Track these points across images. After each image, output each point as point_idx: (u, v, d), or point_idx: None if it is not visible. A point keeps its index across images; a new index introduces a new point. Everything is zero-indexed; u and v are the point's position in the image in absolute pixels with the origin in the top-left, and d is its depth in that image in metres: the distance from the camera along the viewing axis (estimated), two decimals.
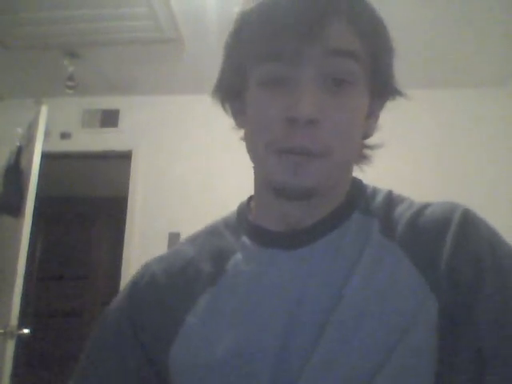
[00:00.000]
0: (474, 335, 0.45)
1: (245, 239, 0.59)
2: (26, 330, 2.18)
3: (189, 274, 0.58)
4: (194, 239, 0.64)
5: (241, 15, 0.55)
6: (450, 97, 3.03)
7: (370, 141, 0.60)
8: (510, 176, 2.86)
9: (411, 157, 2.95)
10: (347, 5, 0.51)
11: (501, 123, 2.97)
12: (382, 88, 0.56)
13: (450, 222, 0.51)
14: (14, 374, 2.16)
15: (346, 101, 0.51)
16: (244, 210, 0.63)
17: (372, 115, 0.58)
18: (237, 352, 0.50)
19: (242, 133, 0.59)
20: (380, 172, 2.69)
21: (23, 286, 2.19)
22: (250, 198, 0.64)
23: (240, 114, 0.59)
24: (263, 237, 0.57)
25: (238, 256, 0.57)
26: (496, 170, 2.89)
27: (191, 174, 3.09)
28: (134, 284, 0.61)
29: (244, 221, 0.61)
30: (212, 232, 0.63)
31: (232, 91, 0.58)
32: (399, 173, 2.81)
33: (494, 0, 2.28)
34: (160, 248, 2.87)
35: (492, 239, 0.51)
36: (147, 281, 0.60)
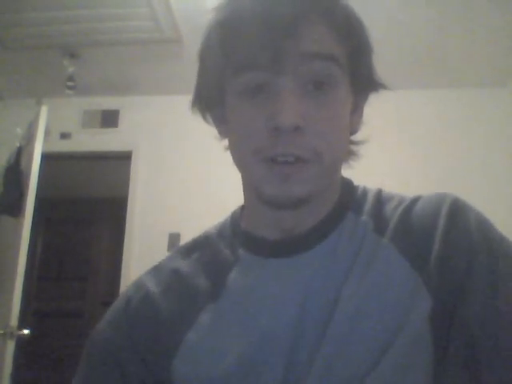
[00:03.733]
0: (465, 324, 0.46)
1: (242, 252, 0.57)
2: (25, 331, 2.18)
3: (186, 291, 0.57)
4: (187, 253, 0.62)
5: (213, 23, 0.53)
6: (451, 97, 3.03)
7: (355, 136, 0.60)
8: (510, 176, 2.86)
9: (412, 157, 2.95)
10: (321, 6, 0.50)
11: (502, 123, 2.97)
12: (364, 83, 0.56)
13: (439, 213, 0.52)
14: (14, 374, 2.16)
15: (329, 103, 0.50)
16: (238, 218, 0.62)
17: (357, 110, 0.57)
18: (243, 365, 0.50)
19: (225, 142, 0.58)
20: (380, 172, 2.68)
21: (23, 286, 2.19)
22: (243, 207, 0.63)
23: (222, 123, 0.58)
24: (260, 247, 0.56)
25: (237, 270, 0.56)
26: (497, 170, 2.89)
27: (191, 174, 3.09)
28: (129, 299, 0.59)
29: (238, 231, 0.60)
30: (206, 245, 0.61)
31: (211, 101, 0.57)
32: (399, 172, 2.81)
33: (494, 0, 2.28)
34: (160, 249, 2.87)
35: (481, 227, 0.50)
36: (142, 296, 0.59)
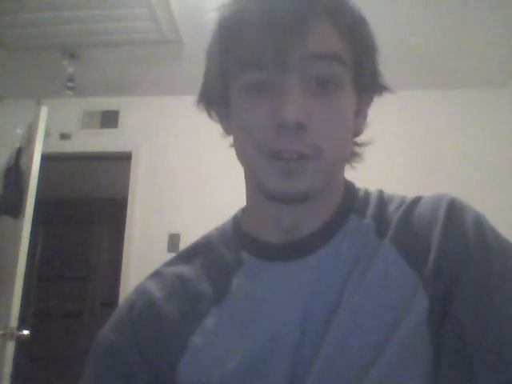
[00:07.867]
0: (457, 325, 0.46)
1: (245, 255, 0.57)
2: (25, 332, 2.18)
3: (189, 296, 0.57)
4: (190, 257, 0.62)
5: (219, 21, 0.54)
6: (451, 98, 3.03)
7: (359, 138, 0.60)
8: (509, 177, 2.86)
9: (412, 158, 2.95)
10: (327, 5, 0.51)
11: (501, 124, 2.97)
12: (368, 85, 0.56)
13: (436, 215, 0.52)
14: (14, 374, 2.16)
15: (333, 101, 0.50)
16: (239, 221, 0.62)
17: (361, 112, 0.57)
18: (248, 369, 0.50)
19: (230, 140, 0.58)
20: (381, 172, 2.67)
21: (23, 287, 2.19)
22: (244, 210, 0.63)
23: (226, 120, 0.58)
24: (264, 250, 0.56)
25: (240, 274, 0.56)
26: (496, 171, 2.89)
27: (191, 174, 3.09)
28: (132, 304, 0.59)
29: (241, 234, 0.60)
30: (208, 249, 0.61)
31: (216, 98, 0.58)
32: (399, 173, 2.81)
33: (494, 1, 2.28)
34: (160, 249, 2.87)
35: (477, 227, 0.50)
36: (145, 301, 0.59)
